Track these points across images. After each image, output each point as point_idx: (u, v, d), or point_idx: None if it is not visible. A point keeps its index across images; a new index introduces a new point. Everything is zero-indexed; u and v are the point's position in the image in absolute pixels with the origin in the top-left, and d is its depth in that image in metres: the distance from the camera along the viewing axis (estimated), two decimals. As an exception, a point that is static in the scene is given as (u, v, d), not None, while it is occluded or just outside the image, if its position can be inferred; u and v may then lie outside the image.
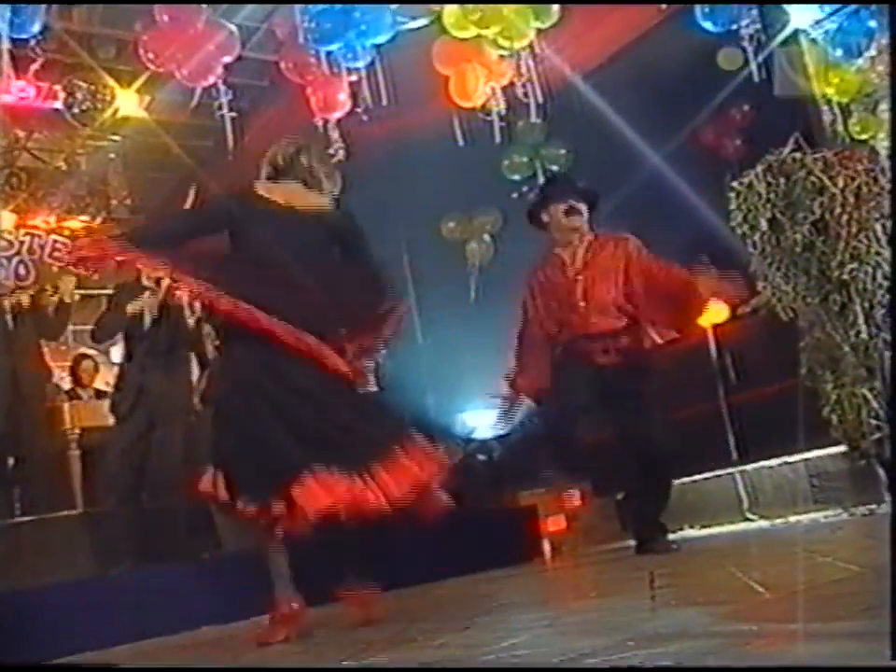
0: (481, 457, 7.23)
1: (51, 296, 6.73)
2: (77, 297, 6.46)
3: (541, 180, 7.54)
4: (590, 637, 2.01)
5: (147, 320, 5.16)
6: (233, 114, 5.95)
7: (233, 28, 5.76)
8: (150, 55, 5.59)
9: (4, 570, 4.58)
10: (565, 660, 1.73)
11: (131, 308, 5.17)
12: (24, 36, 5.35)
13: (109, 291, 5.88)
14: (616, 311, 4.66)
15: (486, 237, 8.35)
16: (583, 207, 4.74)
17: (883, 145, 5.22)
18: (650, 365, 4.71)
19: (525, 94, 6.19)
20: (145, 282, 5.18)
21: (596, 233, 4.81)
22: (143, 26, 5.92)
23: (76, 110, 7.07)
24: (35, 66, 6.62)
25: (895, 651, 1.20)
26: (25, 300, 6.20)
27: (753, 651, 1.57)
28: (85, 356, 7.63)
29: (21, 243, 9.32)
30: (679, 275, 4.62)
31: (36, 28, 5.30)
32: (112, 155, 9.41)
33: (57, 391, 7.33)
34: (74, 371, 7.47)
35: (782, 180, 5.05)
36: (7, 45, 5.16)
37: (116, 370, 5.51)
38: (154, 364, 5.22)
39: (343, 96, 5.99)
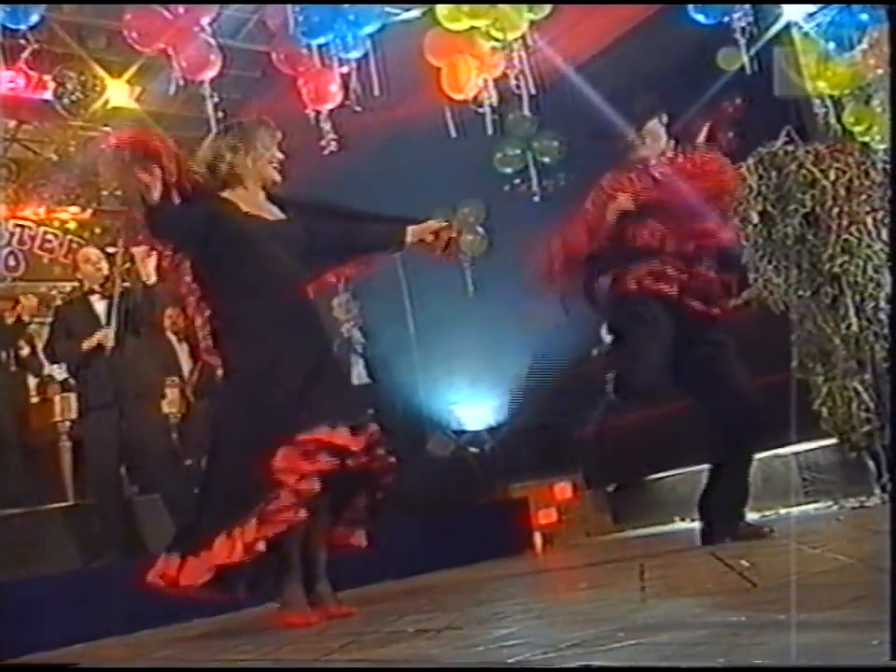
0: (473, 450, 7.24)
1: (12, 308, 6.77)
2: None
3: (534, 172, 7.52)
4: (580, 628, 2.01)
5: (103, 310, 5.11)
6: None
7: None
8: (134, 34, 5.53)
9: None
10: (554, 651, 1.73)
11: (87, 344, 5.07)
12: (19, 27, 5.30)
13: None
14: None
15: (479, 229, 8.33)
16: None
17: (877, 137, 5.22)
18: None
19: (518, 86, 6.17)
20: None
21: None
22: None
23: (66, 100, 7.03)
24: (25, 55, 6.56)
25: (895, 649, 1.20)
26: None
27: (743, 641, 1.57)
28: None
29: (12, 234, 9.29)
30: None
31: (34, 19, 5.25)
32: (103, 146, 9.37)
33: (49, 383, 7.33)
34: None
35: (773, 173, 5.05)
36: (-2, 36, 5.13)
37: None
38: (119, 348, 5.12)
39: (335, 87, 5.96)
